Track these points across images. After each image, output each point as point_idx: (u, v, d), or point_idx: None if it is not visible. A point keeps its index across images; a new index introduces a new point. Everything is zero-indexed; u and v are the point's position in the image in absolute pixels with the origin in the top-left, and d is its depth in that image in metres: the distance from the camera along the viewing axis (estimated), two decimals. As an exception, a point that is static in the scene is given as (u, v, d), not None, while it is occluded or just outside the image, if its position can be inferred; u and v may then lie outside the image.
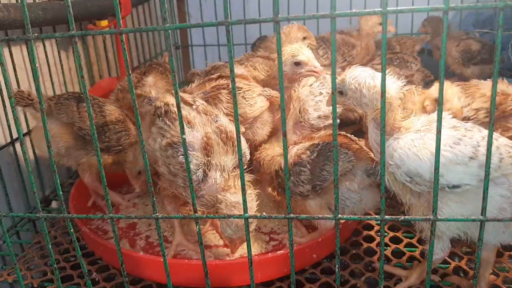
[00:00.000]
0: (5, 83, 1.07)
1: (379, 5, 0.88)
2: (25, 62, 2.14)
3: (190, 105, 1.54)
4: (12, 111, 1.11)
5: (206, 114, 1.52)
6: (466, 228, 1.28)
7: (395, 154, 1.23)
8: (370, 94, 1.25)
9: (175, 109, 1.46)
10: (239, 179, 1.42)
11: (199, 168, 1.41)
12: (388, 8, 0.87)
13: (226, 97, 1.76)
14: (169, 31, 0.95)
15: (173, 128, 1.45)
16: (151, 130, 1.51)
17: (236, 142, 1.45)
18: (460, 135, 1.21)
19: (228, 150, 1.48)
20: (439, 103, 0.93)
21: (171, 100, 1.54)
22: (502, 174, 1.18)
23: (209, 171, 1.43)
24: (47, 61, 2.24)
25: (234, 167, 1.49)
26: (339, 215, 1.03)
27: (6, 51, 1.96)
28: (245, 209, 1.08)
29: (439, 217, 1.01)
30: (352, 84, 1.27)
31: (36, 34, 1.01)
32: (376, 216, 1.04)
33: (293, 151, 1.61)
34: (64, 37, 1.25)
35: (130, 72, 1.01)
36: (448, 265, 1.53)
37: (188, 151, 1.38)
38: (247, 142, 1.68)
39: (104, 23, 2.39)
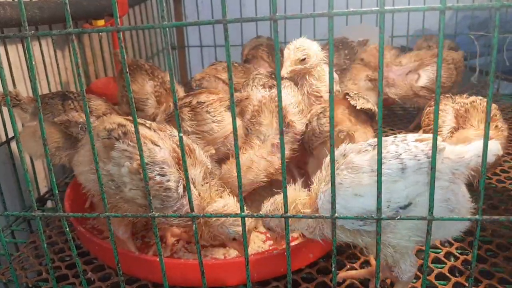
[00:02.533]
0: (1, 81, 1.07)
1: (375, 4, 0.88)
2: (21, 61, 2.14)
3: (143, 125, 1.47)
4: (9, 110, 1.10)
5: (161, 131, 1.47)
6: (424, 231, 1.16)
7: (336, 206, 1.11)
8: None
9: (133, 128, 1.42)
10: (211, 190, 1.46)
11: (179, 184, 1.38)
12: (385, 8, 0.87)
13: (188, 115, 1.73)
14: (167, 29, 0.95)
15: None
16: (110, 154, 1.40)
17: (195, 154, 1.47)
18: (374, 155, 1.14)
19: (193, 163, 1.45)
20: (435, 111, 0.93)
21: (121, 120, 1.47)
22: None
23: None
24: (43, 60, 2.24)
25: (204, 180, 1.47)
26: (336, 214, 1.04)
27: (1, 50, 1.95)
28: (242, 208, 1.08)
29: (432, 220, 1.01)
30: None
31: (33, 32, 1.01)
32: (373, 215, 1.04)
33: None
34: (61, 36, 1.26)
35: (127, 70, 1.01)
36: (444, 265, 1.53)
37: (164, 169, 1.37)
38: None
39: (101, 22, 2.39)
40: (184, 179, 1.38)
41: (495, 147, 1.16)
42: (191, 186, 1.42)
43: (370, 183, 1.13)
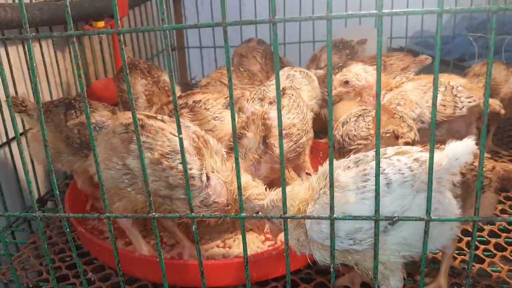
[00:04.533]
0: (2, 83, 1.07)
1: (374, 7, 0.90)
2: (21, 63, 2.14)
3: (154, 117, 1.48)
4: (10, 111, 1.11)
5: (174, 122, 1.47)
6: (412, 245, 1.18)
7: (323, 226, 1.14)
8: None
9: (150, 121, 1.44)
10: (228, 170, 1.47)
11: (202, 172, 1.39)
12: (383, 11, 0.88)
13: (188, 116, 1.73)
14: (167, 32, 0.96)
15: (158, 139, 1.40)
16: (129, 148, 1.42)
17: (210, 144, 1.48)
18: (358, 171, 1.15)
19: (210, 154, 1.46)
20: (432, 112, 0.94)
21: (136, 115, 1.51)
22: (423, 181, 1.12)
23: (209, 173, 1.41)
24: (44, 61, 2.25)
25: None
26: (334, 215, 1.05)
27: (2, 51, 1.96)
28: (241, 209, 1.09)
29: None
30: None
31: (34, 34, 1.01)
32: (371, 216, 1.05)
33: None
34: (62, 37, 1.26)
35: (128, 72, 1.02)
36: (442, 266, 1.54)
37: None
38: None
39: (101, 24, 2.40)
40: (206, 168, 1.41)
41: (471, 145, 1.11)
42: (217, 175, 1.43)
43: (356, 201, 1.12)
